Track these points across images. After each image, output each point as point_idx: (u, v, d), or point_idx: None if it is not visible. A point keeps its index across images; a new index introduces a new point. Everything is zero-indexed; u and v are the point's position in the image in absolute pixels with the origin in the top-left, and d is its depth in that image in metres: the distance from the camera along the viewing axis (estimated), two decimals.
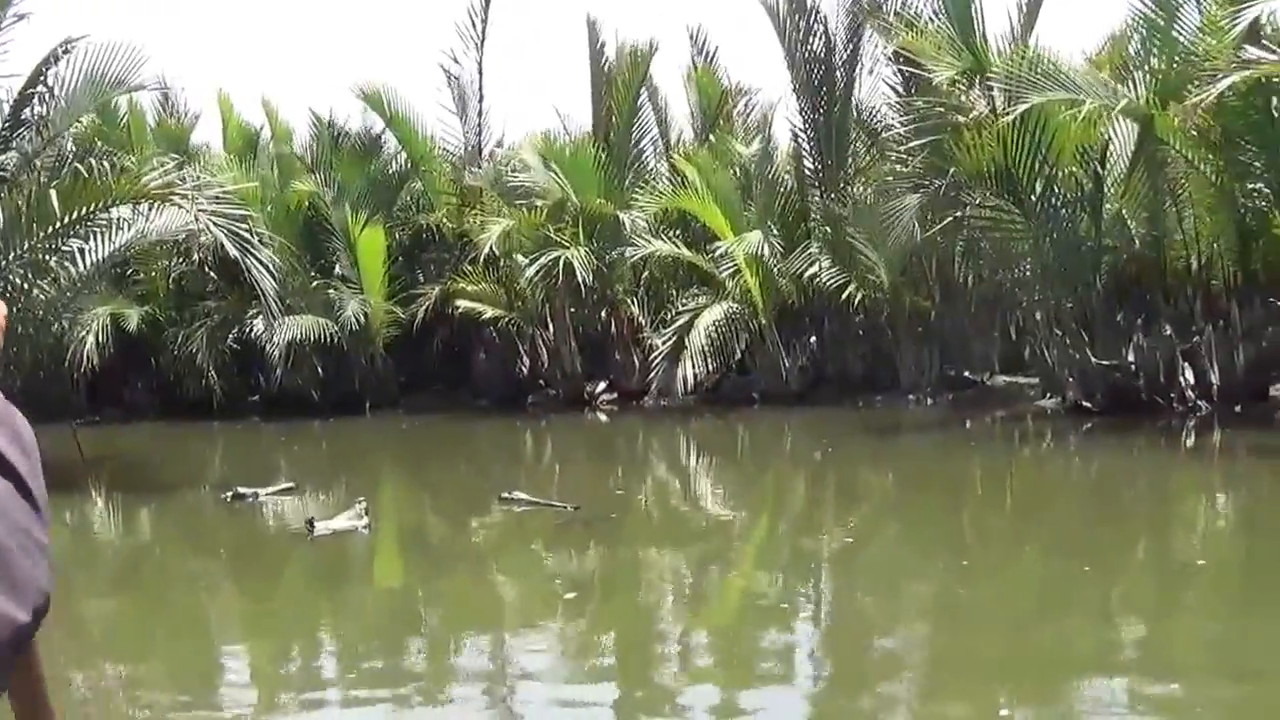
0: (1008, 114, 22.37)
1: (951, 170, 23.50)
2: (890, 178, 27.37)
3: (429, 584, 13.36)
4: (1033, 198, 23.54)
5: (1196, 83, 21.36)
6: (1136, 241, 24.13)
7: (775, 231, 28.37)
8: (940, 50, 24.05)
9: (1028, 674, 9.24)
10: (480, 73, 32.01)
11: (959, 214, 25.32)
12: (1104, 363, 23.35)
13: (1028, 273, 24.67)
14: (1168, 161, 23.57)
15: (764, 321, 27.94)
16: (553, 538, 14.91)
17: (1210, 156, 21.93)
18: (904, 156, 26.16)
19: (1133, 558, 13.57)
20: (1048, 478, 19.79)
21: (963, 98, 24.69)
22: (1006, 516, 16.74)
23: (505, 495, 16.42)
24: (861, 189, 28.58)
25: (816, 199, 29.10)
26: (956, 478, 19.50)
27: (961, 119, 24.12)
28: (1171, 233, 24.27)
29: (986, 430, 23.96)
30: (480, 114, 32.19)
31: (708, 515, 17.56)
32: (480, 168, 31.35)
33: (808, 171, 29.58)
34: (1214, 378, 22.95)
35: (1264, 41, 20.37)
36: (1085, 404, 23.38)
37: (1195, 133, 21.53)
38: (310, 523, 14.86)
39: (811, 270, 27.65)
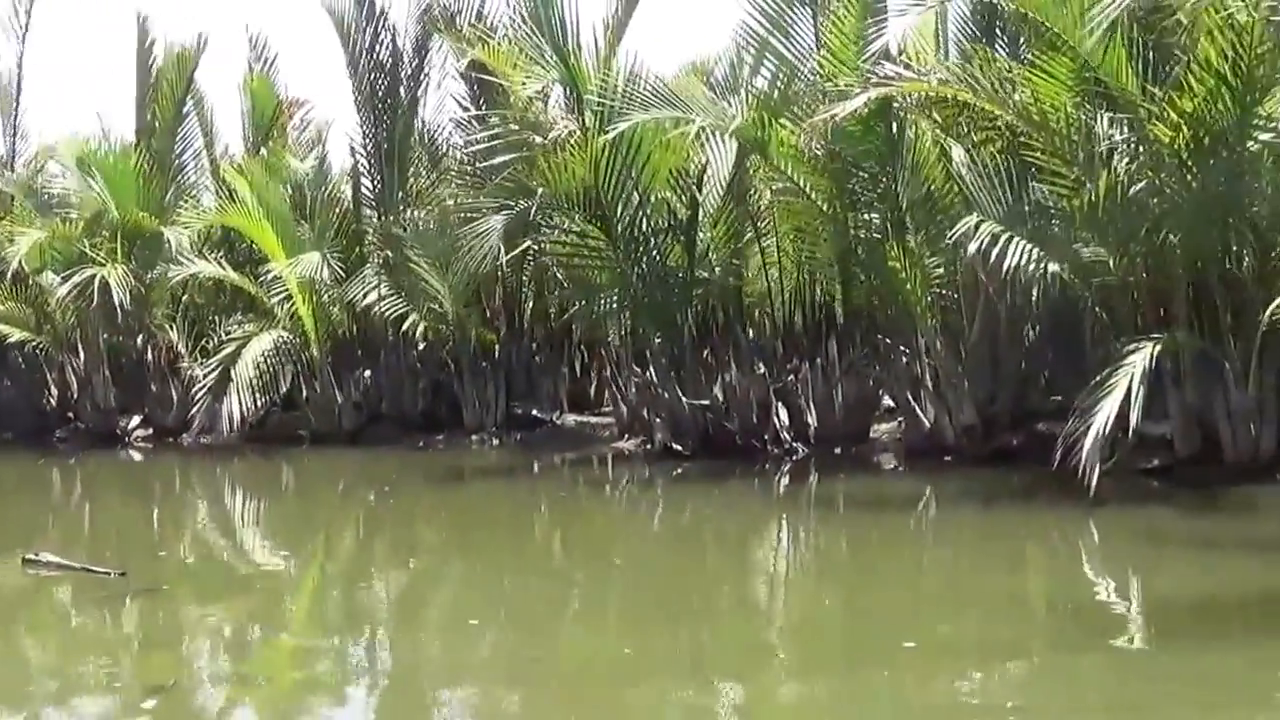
0: (607, 132, 18.82)
1: (540, 192, 19.78)
2: (450, 200, 24.08)
3: None
4: (621, 225, 20.09)
5: (809, 102, 18.61)
6: (717, 270, 21.08)
7: (332, 255, 23.98)
8: (525, 63, 20.42)
9: None
10: (20, 68, 27.33)
11: (536, 240, 21.70)
12: (694, 402, 20.13)
13: (613, 305, 20.87)
14: (753, 189, 20.93)
15: (315, 353, 23.64)
16: (101, 619, 11.43)
17: (823, 183, 18.47)
18: (478, 177, 22.27)
19: (709, 613, 11.49)
20: (625, 526, 17.04)
21: (541, 116, 20.91)
22: (580, 567, 14.22)
23: (31, 556, 12.72)
24: (425, 212, 24.52)
25: (375, 221, 25.05)
26: (527, 526, 16.96)
27: (540, 139, 20.30)
28: (765, 264, 21.46)
29: (560, 474, 20.77)
30: (16, 114, 27.11)
31: (267, 576, 14.14)
32: (13, 173, 26.33)
33: (366, 191, 25.52)
34: (811, 418, 19.98)
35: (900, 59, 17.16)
36: (675, 446, 20.16)
37: (818, 155, 18.06)
38: None
39: (369, 298, 23.48)
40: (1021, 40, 18.69)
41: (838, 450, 19.62)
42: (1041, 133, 15.96)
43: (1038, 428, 18.01)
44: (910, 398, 18.85)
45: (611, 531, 16.60)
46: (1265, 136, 15.11)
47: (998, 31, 19.48)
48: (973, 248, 16.11)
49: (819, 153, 18.40)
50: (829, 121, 16.85)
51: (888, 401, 20.73)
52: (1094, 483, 13.53)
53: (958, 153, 17.86)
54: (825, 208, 19.03)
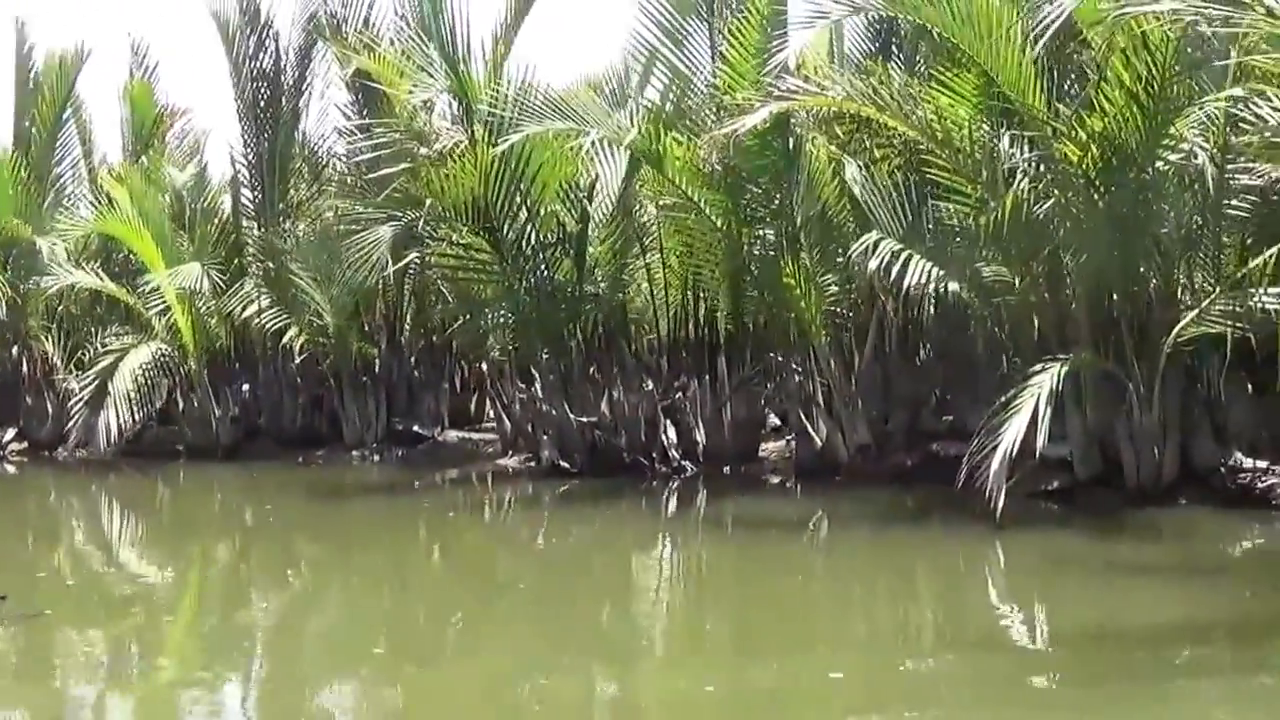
0: (497, 143, 18.07)
1: (429, 203, 18.88)
2: (330, 213, 23.14)
3: None
4: (510, 238, 19.26)
5: (705, 116, 18.13)
6: (604, 286, 20.36)
7: (212, 266, 22.99)
8: (412, 72, 19.65)
9: None
10: None
11: (421, 252, 20.78)
12: (582, 419, 19.34)
13: (500, 319, 20.05)
14: (640, 204, 20.18)
15: (194, 366, 22.64)
16: None
17: (718, 198, 17.76)
18: (362, 188, 21.44)
19: (591, 628, 11.17)
20: (510, 544, 16.16)
21: (426, 125, 20.02)
22: (465, 585, 13.48)
23: None
24: (306, 223, 23.57)
25: (255, 232, 24.10)
26: (410, 545, 16.08)
27: (426, 150, 19.43)
28: (653, 280, 20.74)
29: (444, 492, 19.67)
30: None
31: (151, 597, 13.11)
32: None
33: (246, 201, 24.48)
34: (700, 436, 19.25)
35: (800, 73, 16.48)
36: (562, 464, 19.31)
37: (714, 170, 17.39)
38: None
39: (249, 310, 22.49)
40: (918, 58, 18.18)
41: (726, 469, 18.95)
42: (945, 150, 15.34)
43: (932, 448, 17.47)
44: (803, 416, 18.14)
45: (497, 549, 15.84)
46: (1174, 157, 14.56)
47: (894, 49, 18.98)
48: (873, 265, 15.46)
49: (717, 167, 17.67)
50: (731, 135, 16.09)
51: (776, 420, 20.16)
52: (1000, 505, 12.85)
53: (853, 170, 17.28)
54: (720, 223, 18.27)
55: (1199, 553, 13.24)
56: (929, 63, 17.28)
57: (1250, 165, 14.53)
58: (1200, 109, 14.17)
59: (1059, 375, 13.75)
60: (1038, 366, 13.98)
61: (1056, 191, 14.84)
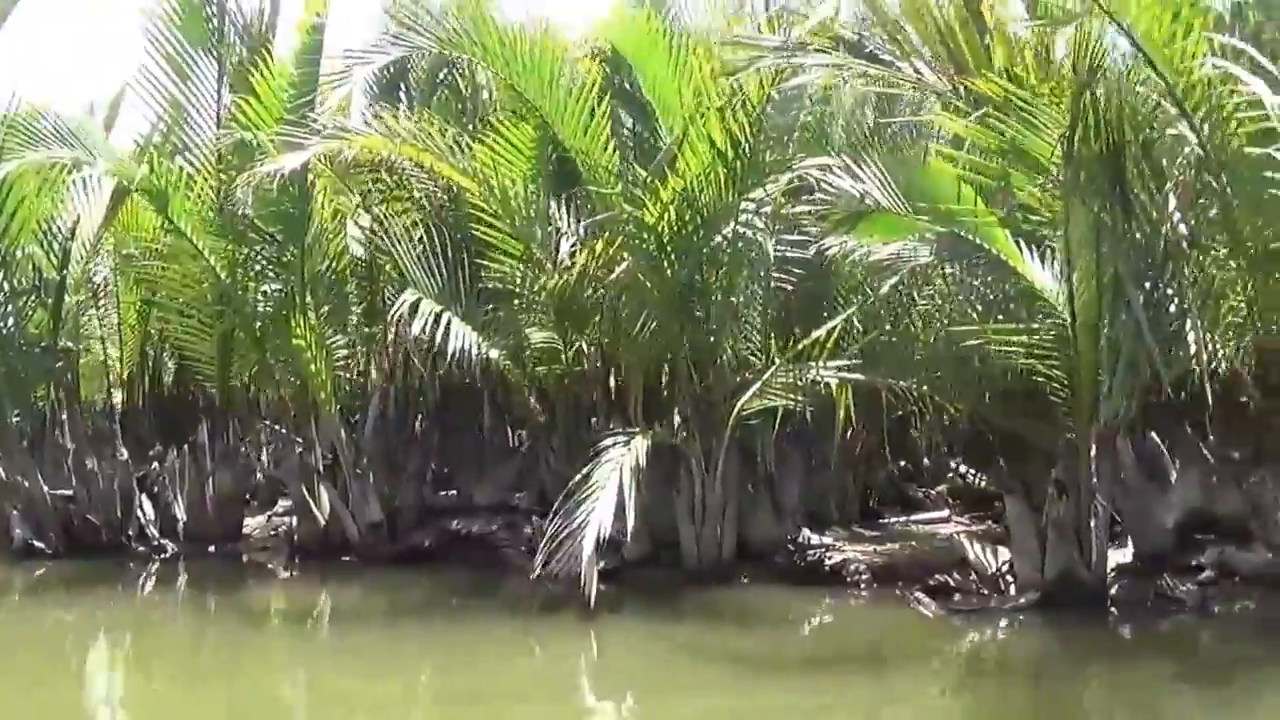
0: None
1: None
2: None
3: None
4: None
5: (214, 154, 15.52)
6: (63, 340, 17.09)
7: None
8: None
9: None
10: None
11: None
12: (55, 492, 16.22)
13: None
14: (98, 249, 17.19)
15: None
16: None
17: (224, 246, 15.33)
18: None
19: None
20: None
21: None
22: None
23: None
24: None
25: None
26: None
27: None
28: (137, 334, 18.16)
29: None
30: None
31: None
32: None
33: None
34: (180, 513, 16.51)
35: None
36: (37, 544, 15.93)
37: (227, 215, 14.93)
38: None
39: None
40: (432, 102, 16.25)
41: (211, 549, 16.31)
42: (504, 208, 13.34)
43: (452, 525, 15.54)
44: (304, 491, 15.64)
45: None
46: (760, 222, 13.02)
47: (402, 94, 16.96)
48: (416, 328, 13.40)
49: (248, 211, 15.23)
50: (275, 175, 13.48)
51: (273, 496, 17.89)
52: (593, 591, 10.96)
53: (356, 225, 15.70)
54: (224, 275, 15.62)
55: (772, 634, 11.55)
56: (445, 109, 15.65)
57: (803, 238, 13.19)
58: (788, 173, 12.61)
59: (643, 450, 11.87)
60: (609, 441, 12.10)
61: (625, 255, 12.99)
